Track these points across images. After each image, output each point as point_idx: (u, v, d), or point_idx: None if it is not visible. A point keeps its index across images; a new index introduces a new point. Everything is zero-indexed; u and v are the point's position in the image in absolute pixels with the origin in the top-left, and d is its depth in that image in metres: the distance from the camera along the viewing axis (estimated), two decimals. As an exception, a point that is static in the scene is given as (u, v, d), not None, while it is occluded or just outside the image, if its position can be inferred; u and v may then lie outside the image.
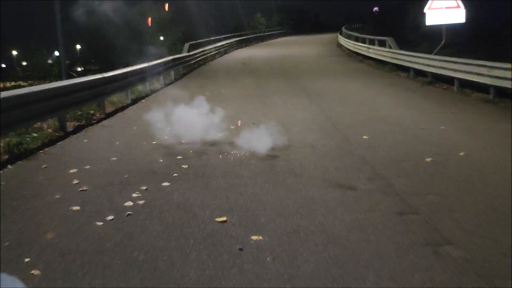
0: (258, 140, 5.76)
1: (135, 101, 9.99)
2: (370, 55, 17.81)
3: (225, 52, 26.15)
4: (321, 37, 37.69)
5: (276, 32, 43.74)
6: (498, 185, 4.01)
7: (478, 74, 9.03)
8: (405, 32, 20.38)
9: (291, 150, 5.42)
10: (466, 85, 9.88)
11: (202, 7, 32.07)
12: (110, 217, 3.48)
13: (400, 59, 13.95)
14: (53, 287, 2.53)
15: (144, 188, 4.16)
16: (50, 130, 6.72)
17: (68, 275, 2.64)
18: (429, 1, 13.19)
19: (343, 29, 29.83)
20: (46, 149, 5.86)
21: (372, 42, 18.50)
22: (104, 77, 8.48)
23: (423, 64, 11.99)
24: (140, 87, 10.96)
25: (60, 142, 6.25)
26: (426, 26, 14.01)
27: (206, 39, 24.36)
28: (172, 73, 14.36)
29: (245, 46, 32.20)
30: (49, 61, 17.48)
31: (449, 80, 10.65)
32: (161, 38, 23.83)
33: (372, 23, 30.34)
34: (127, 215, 3.52)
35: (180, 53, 17.88)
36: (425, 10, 13.40)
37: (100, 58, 20.55)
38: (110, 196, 3.96)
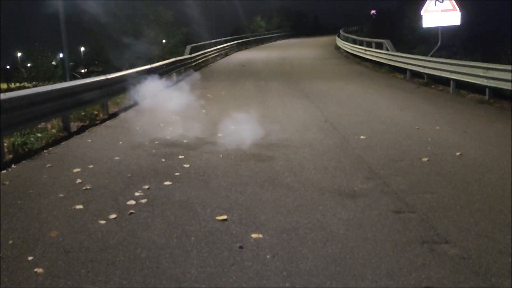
0: (259, 140, 5.84)
1: (138, 102, 10.05)
2: (367, 57, 17.91)
3: (226, 55, 26.24)
4: (320, 40, 37.81)
5: (275, 34, 43.87)
6: (493, 184, 4.07)
7: (474, 75, 9.13)
8: (402, 34, 20.48)
9: (290, 150, 5.48)
10: (462, 86, 9.97)
11: (203, 10, 32.21)
12: (113, 216, 3.52)
13: (397, 61, 14.06)
14: (56, 285, 2.55)
15: (147, 187, 4.21)
16: (54, 130, 6.79)
17: (71, 273, 2.67)
18: (425, 4, 13.30)
19: (341, 31, 29.96)
20: (50, 149, 5.92)
21: (369, 45, 18.60)
22: (107, 79, 8.56)
23: (419, 65, 12.09)
24: (143, 88, 11.01)
25: (64, 142, 6.31)
26: (423, 28, 14.12)
27: (207, 42, 24.50)
28: (174, 74, 14.46)
29: (245, 48, 32.32)
30: (54, 63, 17.55)
31: (445, 82, 10.75)
32: (164, 40, 23.93)
33: (370, 25, 30.45)
34: (129, 214, 3.56)
35: (182, 55, 17.99)
36: (422, 12, 13.51)
37: (103, 60, 20.66)
38: (113, 195, 4.01)
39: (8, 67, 32.66)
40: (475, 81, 9.12)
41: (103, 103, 8.42)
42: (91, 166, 4.97)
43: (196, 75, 16.66)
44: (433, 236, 3.04)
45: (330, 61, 20.56)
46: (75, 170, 4.82)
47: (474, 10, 15.66)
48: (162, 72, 12.72)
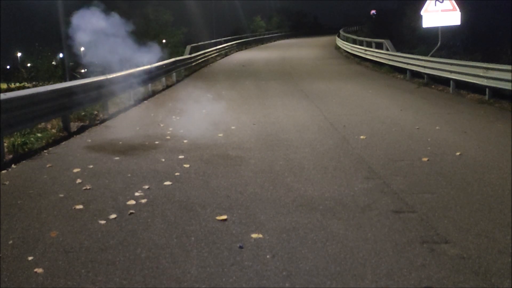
0: (259, 139, 5.84)
1: (138, 102, 10.07)
2: (367, 57, 17.90)
3: (226, 55, 26.26)
4: (319, 40, 37.81)
5: (275, 34, 43.88)
6: (493, 184, 4.07)
7: (474, 75, 9.13)
8: (402, 34, 20.48)
9: (290, 150, 5.49)
10: (461, 86, 9.97)
11: (203, 10, 32.23)
12: (113, 216, 3.53)
13: (396, 61, 14.05)
14: (56, 285, 2.55)
15: (147, 187, 4.22)
16: (54, 130, 6.81)
17: (71, 273, 2.67)
18: (425, 4, 13.30)
19: (341, 31, 29.96)
20: (50, 149, 5.93)
21: (369, 45, 18.59)
22: (107, 79, 8.56)
23: (419, 65, 12.08)
24: (142, 89, 11.03)
25: (64, 142, 6.32)
26: (423, 28, 14.11)
27: (207, 42, 24.50)
28: (174, 75, 14.43)
29: (245, 48, 32.34)
30: (54, 63, 17.48)
31: (445, 82, 10.74)
32: (164, 40, 23.90)
33: (370, 25, 30.47)
34: (129, 214, 3.57)
35: (182, 55, 17.95)
36: (422, 12, 13.51)
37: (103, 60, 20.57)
38: (113, 195, 4.01)
39: (8, 67, 32.62)
40: (475, 81, 9.12)
41: (103, 103, 8.42)
42: (91, 166, 4.97)
43: (196, 75, 16.69)
44: (433, 236, 3.05)
45: (330, 61, 20.55)
46: (75, 170, 4.83)
47: (474, 10, 15.66)
48: (162, 72, 12.70)
